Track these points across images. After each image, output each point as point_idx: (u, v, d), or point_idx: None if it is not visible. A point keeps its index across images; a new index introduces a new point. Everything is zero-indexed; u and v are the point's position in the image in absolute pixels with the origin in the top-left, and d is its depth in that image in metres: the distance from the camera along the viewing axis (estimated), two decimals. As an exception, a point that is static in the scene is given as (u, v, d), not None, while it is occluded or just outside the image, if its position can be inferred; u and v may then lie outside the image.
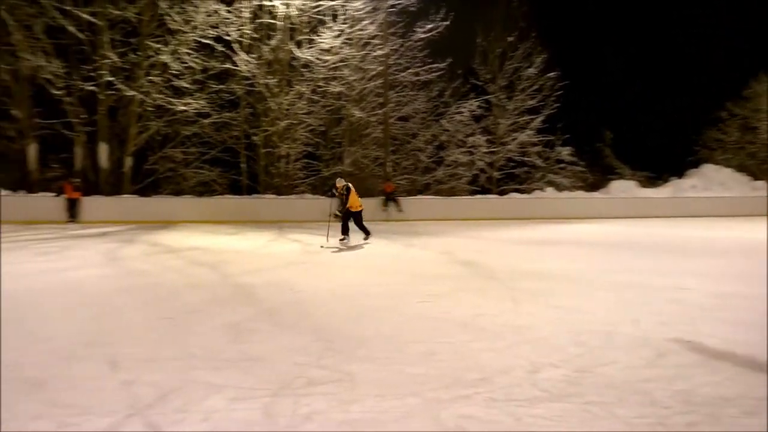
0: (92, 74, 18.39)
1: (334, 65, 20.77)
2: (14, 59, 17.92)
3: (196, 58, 19.37)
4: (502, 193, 24.23)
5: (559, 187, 24.66)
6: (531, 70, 24.42)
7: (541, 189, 24.45)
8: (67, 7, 17.86)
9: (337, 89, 21.14)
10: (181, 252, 10.42)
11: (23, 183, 18.39)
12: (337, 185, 11.64)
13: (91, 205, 16.79)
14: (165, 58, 18.82)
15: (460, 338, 4.75)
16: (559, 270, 8.50)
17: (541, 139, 24.88)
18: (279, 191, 20.54)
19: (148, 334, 4.84)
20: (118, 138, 19.73)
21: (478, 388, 3.57)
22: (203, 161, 21.49)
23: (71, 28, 18.12)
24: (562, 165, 25.70)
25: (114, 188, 18.93)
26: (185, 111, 19.51)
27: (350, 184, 11.70)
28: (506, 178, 25.34)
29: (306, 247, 11.52)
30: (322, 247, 11.21)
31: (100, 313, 5.60)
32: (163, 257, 9.91)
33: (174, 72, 19.18)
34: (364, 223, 11.77)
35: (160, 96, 19.23)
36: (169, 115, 19.78)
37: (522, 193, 24.00)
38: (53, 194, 16.79)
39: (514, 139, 24.78)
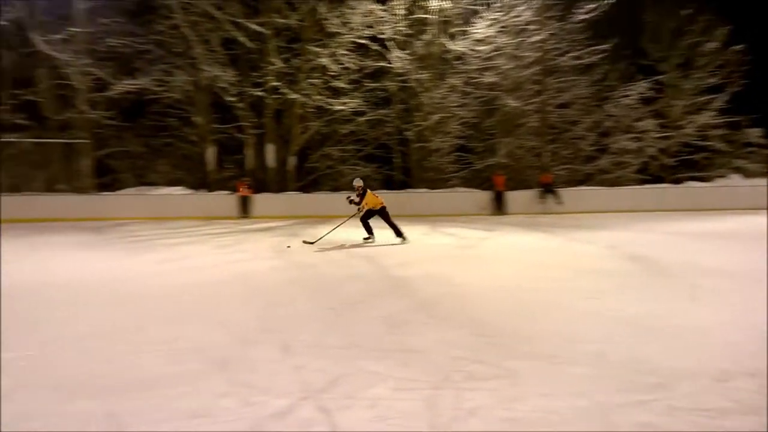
0: (260, 80, 19.97)
1: (487, 55, 20.38)
2: (195, 71, 20.09)
3: (353, 58, 20.15)
4: (676, 181, 21.97)
5: (747, 174, 21.78)
6: (711, 45, 21.85)
7: (724, 176, 21.79)
8: (239, 20, 19.57)
9: (491, 79, 20.71)
10: (342, 245, 10.88)
11: (203, 183, 20.58)
12: (355, 185, 11.28)
13: (260, 201, 18.25)
14: (324, 60, 19.84)
15: (632, 338, 4.38)
16: (745, 267, 7.48)
17: (724, 120, 22.17)
18: (431, 185, 20.69)
19: (314, 322, 5.11)
20: (282, 139, 21.22)
21: (656, 394, 3.25)
22: (359, 158, 22.37)
23: (242, 39, 19.83)
24: (750, 148, 22.70)
25: (280, 186, 20.40)
26: (342, 110, 20.43)
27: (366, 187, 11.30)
28: (681, 165, 22.93)
29: (460, 241, 11.43)
30: (288, 247, 10.66)
31: (272, 301, 6.03)
32: (325, 250, 10.43)
33: (332, 73, 20.16)
34: (370, 222, 11.21)
35: (320, 97, 20.34)
36: (328, 115, 20.85)
37: (701, 180, 21.58)
38: (228, 192, 18.58)
39: (691, 122, 22.40)
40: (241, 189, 17.93)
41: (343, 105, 20.28)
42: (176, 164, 21.84)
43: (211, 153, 20.74)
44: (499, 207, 18.26)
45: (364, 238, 11.14)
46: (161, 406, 3.24)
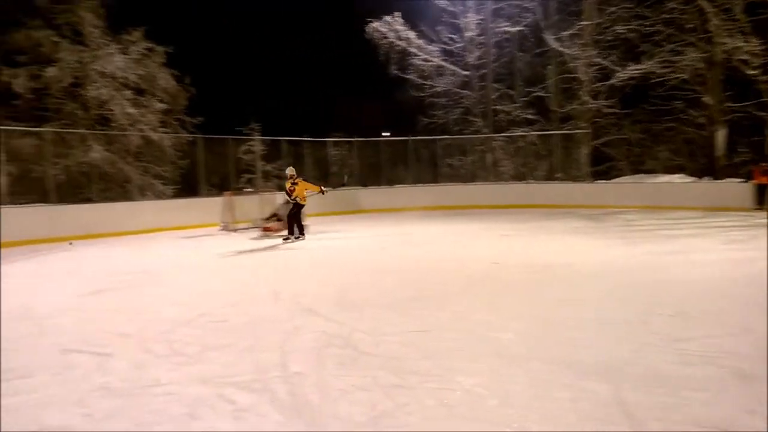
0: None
1: None
2: (709, 46, 18.05)
3: None
4: None
5: None
6: None
7: None
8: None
9: None
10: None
11: (708, 169, 18.50)
12: (288, 173, 10.82)
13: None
14: None
15: None
16: None
17: None
18: None
19: None
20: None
21: None
22: None
23: (774, -1, 16.67)
24: None
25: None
26: None
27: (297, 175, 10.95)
28: None
29: None
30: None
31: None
32: None
33: None
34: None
35: None
36: None
37: None
38: (740, 180, 16.08)
39: None
40: (756, 176, 15.30)
41: None
42: (677, 150, 20.61)
43: (721, 136, 18.54)
44: None
45: (284, 238, 10.53)
46: (677, 406, 2.98)
